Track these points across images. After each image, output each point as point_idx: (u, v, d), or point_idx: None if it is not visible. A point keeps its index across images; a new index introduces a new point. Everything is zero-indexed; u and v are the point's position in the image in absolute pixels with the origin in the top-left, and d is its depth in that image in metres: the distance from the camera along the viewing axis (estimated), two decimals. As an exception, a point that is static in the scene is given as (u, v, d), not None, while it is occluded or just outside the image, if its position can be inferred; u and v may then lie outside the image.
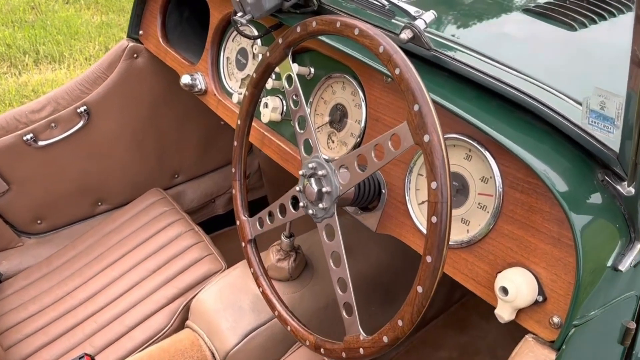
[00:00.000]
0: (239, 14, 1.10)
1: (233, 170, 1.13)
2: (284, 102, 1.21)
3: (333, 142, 1.11)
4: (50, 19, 4.09)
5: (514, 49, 1.02)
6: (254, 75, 1.04)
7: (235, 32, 1.34)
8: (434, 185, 0.72)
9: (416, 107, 0.74)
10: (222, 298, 1.23)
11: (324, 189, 0.90)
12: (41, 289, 1.59)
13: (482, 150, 0.85)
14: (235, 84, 1.36)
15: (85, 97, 1.64)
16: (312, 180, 0.92)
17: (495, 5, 1.26)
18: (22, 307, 1.53)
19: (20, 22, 4.03)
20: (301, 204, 0.95)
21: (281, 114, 1.21)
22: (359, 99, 1.05)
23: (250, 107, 1.08)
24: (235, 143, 1.11)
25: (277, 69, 1.02)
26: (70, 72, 3.57)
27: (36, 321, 1.48)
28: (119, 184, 1.83)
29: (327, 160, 0.91)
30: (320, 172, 0.92)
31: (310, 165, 0.93)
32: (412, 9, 0.96)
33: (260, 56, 1.27)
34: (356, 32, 0.84)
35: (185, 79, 1.39)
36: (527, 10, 1.18)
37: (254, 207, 1.11)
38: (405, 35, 0.92)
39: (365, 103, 1.02)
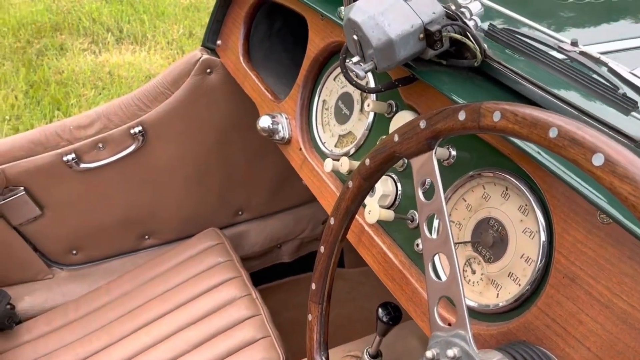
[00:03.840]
0: (355, 58, 0.72)
1: (313, 286, 0.76)
2: (399, 186, 0.82)
3: (474, 273, 0.71)
4: (140, -4, 3.89)
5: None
6: (367, 163, 0.66)
7: (339, 70, 0.97)
8: None
9: None
10: None
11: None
12: (61, 342, 1.31)
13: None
14: (330, 139, 0.98)
15: (142, 116, 1.32)
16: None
17: None
18: (35, 364, 1.26)
19: (109, -4, 3.86)
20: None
21: (392, 205, 0.82)
22: (534, 224, 0.65)
23: (353, 205, 0.70)
24: (322, 249, 0.74)
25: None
26: (150, 55, 3.34)
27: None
28: (172, 218, 1.52)
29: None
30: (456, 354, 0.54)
31: (447, 338, 0.55)
32: None
33: (371, 115, 0.88)
34: (552, 134, 0.45)
35: (264, 122, 1.03)
36: None
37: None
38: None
39: (550, 240, 0.62)
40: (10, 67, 3.07)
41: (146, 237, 1.53)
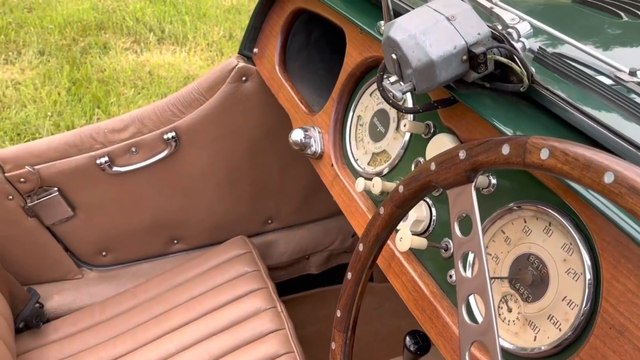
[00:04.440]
0: (392, 78, 0.69)
1: (338, 313, 0.73)
2: (433, 212, 0.78)
3: (510, 311, 0.67)
4: (183, -3, 3.94)
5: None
6: (401, 190, 0.63)
7: (376, 85, 0.93)
8: None
9: None
10: None
11: None
12: (86, 344, 1.31)
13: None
14: (363, 156, 0.95)
15: (176, 122, 1.32)
16: None
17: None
18: (59, 365, 1.26)
19: (153, -4, 3.91)
20: None
21: (425, 231, 0.78)
22: (579, 266, 0.60)
23: (383, 233, 0.67)
24: (349, 275, 0.71)
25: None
26: (190, 56, 3.37)
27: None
28: (201, 224, 1.51)
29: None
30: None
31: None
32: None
33: (407, 135, 0.85)
34: (607, 179, 0.41)
35: (296, 136, 1.00)
36: None
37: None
38: None
39: (596, 285, 0.57)
40: (55, 63, 3.15)
41: (175, 241, 1.53)
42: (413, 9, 0.74)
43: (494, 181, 0.70)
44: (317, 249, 1.66)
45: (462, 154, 0.55)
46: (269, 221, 1.60)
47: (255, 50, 1.30)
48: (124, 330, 1.32)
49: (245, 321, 1.28)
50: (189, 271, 1.43)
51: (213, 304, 1.32)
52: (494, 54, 0.65)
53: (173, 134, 1.32)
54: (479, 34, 0.64)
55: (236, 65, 1.28)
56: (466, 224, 0.57)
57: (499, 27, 0.68)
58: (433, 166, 0.58)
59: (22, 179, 1.27)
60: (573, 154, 0.44)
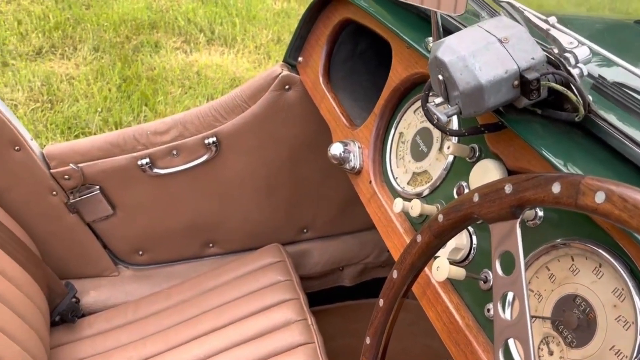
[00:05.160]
0: (438, 99, 0.66)
1: (367, 340, 0.70)
2: (474, 239, 0.75)
3: (551, 354, 0.62)
4: (234, -1, 3.99)
5: None
6: (440, 219, 0.60)
7: (420, 102, 0.90)
8: None
9: None
10: None
11: None
12: (118, 341, 1.33)
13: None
14: (403, 175, 0.92)
15: (218, 127, 1.32)
16: None
17: None
18: (91, 361, 1.28)
19: (207, -2, 3.97)
20: None
21: (465, 260, 0.75)
22: (630, 314, 0.55)
23: (419, 262, 0.64)
24: (381, 302, 0.68)
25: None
26: (237, 58, 3.40)
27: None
28: (237, 229, 1.51)
29: None
30: None
31: None
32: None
33: (450, 157, 0.81)
34: None
35: (335, 150, 0.98)
36: None
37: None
38: None
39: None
40: (108, 60, 3.23)
41: (210, 245, 1.53)
42: (464, 27, 0.71)
43: (540, 213, 0.66)
44: (352, 262, 1.64)
45: (508, 188, 0.51)
46: (305, 230, 1.58)
47: (300, 59, 1.29)
48: (156, 331, 1.33)
49: (274, 332, 1.26)
50: (222, 276, 1.43)
51: (243, 312, 1.32)
52: (548, 80, 0.61)
53: (214, 139, 1.32)
54: (533, 58, 0.61)
55: (280, 74, 1.27)
56: (508, 259, 0.54)
57: (555, 51, 0.64)
58: (476, 197, 0.55)
59: (66, 176, 1.30)
60: (633, 201, 0.40)
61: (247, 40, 3.57)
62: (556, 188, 0.46)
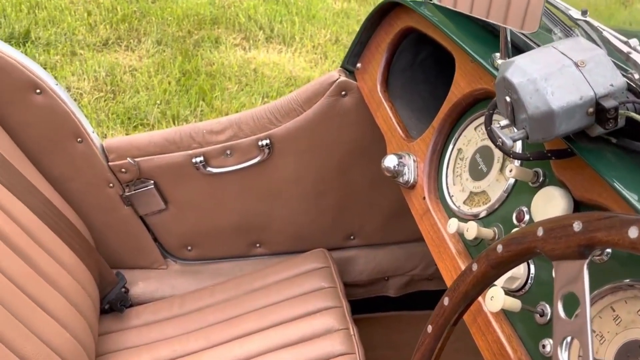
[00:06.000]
0: (503, 122, 0.63)
1: (412, 365, 0.68)
2: (532, 269, 0.71)
3: (608, 404, 0.58)
4: (296, -3, 4.00)
5: None
6: (499, 249, 0.57)
7: (482, 119, 0.86)
8: None
9: None
10: None
11: None
12: (162, 334, 1.35)
13: None
14: (460, 193, 0.89)
15: (272, 130, 1.32)
16: None
17: None
18: (136, 352, 1.31)
19: (270, -6, 4.00)
20: None
21: (521, 289, 0.71)
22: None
23: (473, 291, 0.61)
24: (430, 328, 0.66)
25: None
26: (295, 57, 3.42)
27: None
28: (284, 231, 1.51)
29: None
30: None
31: None
32: None
33: (512, 181, 0.77)
34: None
35: (389, 162, 0.96)
36: None
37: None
38: None
39: None
40: (170, 54, 3.31)
41: (257, 245, 1.54)
42: (536, 45, 0.67)
43: (608, 250, 0.62)
44: (398, 272, 1.60)
45: (577, 226, 0.48)
46: (351, 237, 1.57)
47: (359, 65, 1.27)
48: (199, 327, 1.35)
49: (315, 339, 1.25)
50: (267, 277, 1.43)
51: (286, 316, 1.32)
52: (627, 109, 0.56)
53: (267, 141, 1.32)
54: (611, 85, 0.56)
55: (337, 79, 1.26)
56: (571, 298, 0.50)
57: (637, 76, 0.60)
58: (540, 232, 0.52)
59: (123, 169, 1.33)
60: None
61: (305, 40, 3.58)
62: (633, 233, 0.43)
